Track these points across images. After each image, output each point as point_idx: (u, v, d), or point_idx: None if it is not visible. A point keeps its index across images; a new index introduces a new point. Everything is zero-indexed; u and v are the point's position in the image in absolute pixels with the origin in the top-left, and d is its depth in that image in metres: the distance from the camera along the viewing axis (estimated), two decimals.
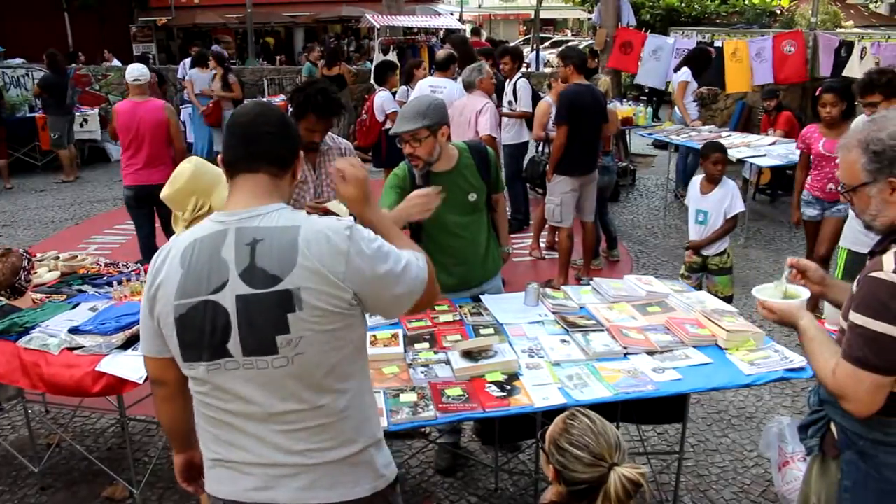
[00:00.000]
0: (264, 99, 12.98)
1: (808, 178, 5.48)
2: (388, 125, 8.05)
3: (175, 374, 1.91)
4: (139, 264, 4.30)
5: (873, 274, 1.94)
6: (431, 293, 1.91)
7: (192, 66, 10.83)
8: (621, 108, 9.43)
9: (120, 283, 3.84)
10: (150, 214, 6.04)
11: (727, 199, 4.97)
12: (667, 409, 3.59)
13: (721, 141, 8.07)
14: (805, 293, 2.37)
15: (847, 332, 1.99)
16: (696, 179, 5.16)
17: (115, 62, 15.02)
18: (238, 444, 1.83)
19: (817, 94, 5.05)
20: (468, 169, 3.56)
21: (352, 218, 1.88)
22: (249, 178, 1.83)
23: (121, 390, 3.11)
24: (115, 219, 8.84)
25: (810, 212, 5.55)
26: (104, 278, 4.04)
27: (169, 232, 5.87)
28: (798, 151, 5.75)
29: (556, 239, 6.82)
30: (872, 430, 2.07)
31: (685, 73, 8.79)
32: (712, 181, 5.01)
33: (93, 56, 16.88)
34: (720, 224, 4.99)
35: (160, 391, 2.01)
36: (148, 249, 6.12)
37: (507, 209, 3.93)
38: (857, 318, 1.94)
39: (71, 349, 3.17)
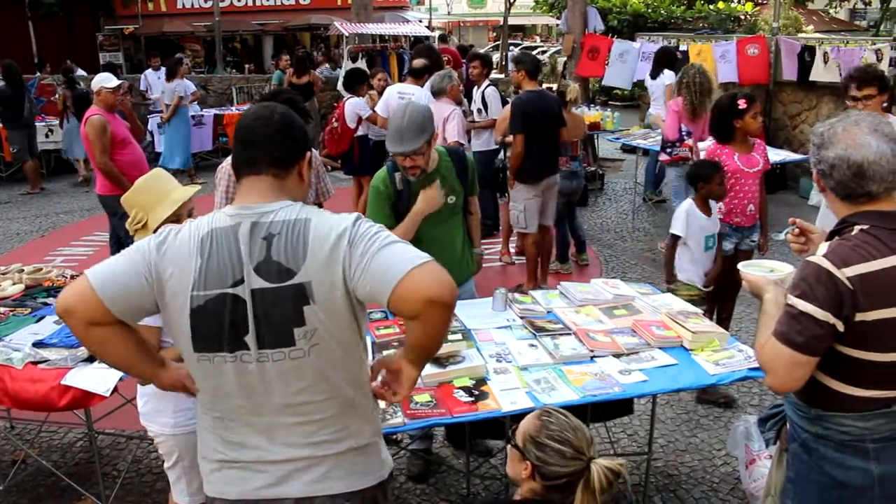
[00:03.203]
0: (233, 108, 12.92)
1: (720, 205, 4.68)
2: (360, 131, 8.02)
3: (110, 319, 1.77)
4: None
5: (808, 258, 2.04)
6: (434, 287, 1.69)
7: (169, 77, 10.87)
8: (589, 114, 9.52)
9: None
10: (109, 220, 6.05)
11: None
12: (618, 402, 3.66)
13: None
14: (785, 270, 2.41)
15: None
16: (690, 208, 4.51)
17: (80, 72, 14.81)
18: (249, 444, 1.86)
19: (742, 105, 4.55)
20: (448, 172, 3.62)
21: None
22: (254, 180, 1.86)
23: (88, 404, 3.07)
24: (81, 230, 8.73)
25: (727, 246, 4.73)
26: None
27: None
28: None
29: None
30: (813, 424, 2.14)
31: (670, 76, 8.79)
32: (711, 201, 4.60)
33: (58, 65, 16.64)
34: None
35: (101, 331, 1.80)
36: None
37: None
38: (789, 297, 2.03)
39: (35, 363, 3.13)
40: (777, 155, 7.93)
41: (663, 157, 7.13)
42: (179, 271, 1.77)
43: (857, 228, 2.02)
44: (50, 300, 3.86)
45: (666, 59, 9.07)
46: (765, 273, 2.40)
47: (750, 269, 2.45)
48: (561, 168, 6.31)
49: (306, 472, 1.87)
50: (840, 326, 1.96)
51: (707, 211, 4.53)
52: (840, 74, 8.96)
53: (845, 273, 1.94)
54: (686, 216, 4.50)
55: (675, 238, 4.52)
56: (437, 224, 3.60)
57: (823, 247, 2.03)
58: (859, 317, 1.95)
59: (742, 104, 4.60)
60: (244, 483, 1.88)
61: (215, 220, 1.82)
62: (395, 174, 3.56)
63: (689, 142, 6.83)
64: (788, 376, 2.03)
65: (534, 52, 12.60)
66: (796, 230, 2.44)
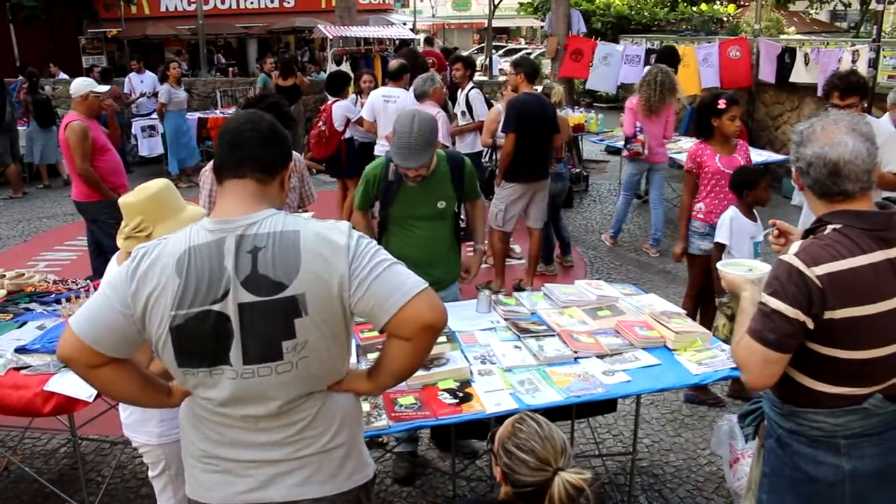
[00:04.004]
0: (217, 111, 12.88)
1: (702, 205, 4.80)
2: (347, 133, 8.01)
3: (104, 359, 1.82)
4: (89, 281, 4.24)
5: (781, 256, 2.07)
6: (431, 314, 1.76)
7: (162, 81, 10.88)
8: (573, 115, 9.57)
9: (69, 300, 3.78)
10: (88, 226, 5.95)
11: None
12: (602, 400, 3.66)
13: (671, 145, 8.35)
14: (763, 269, 2.43)
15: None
16: (735, 215, 4.36)
17: (62, 75, 14.73)
18: (229, 441, 1.87)
19: (722, 105, 4.61)
20: (443, 177, 3.66)
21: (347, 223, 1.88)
22: (237, 183, 1.85)
23: (72, 409, 3.05)
24: (65, 235, 8.67)
25: (706, 245, 4.70)
26: (52, 296, 3.97)
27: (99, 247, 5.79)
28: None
29: (510, 245, 6.90)
30: (787, 420, 2.18)
31: None
32: (755, 207, 4.51)
33: (41, 69, 16.54)
34: None
35: (102, 372, 1.85)
36: (93, 263, 6.01)
37: (462, 217, 4.05)
38: (762, 295, 2.06)
39: (18, 369, 3.11)
40: (759, 155, 8.00)
41: (624, 152, 7.48)
42: (157, 293, 1.75)
43: (829, 228, 2.05)
44: (32, 306, 3.84)
45: (667, 59, 9.22)
46: (743, 272, 2.43)
47: (728, 269, 2.48)
48: (549, 169, 6.34)
49: (289, 475, 1.87)
50: (810, 324, 1.99)
51: (753, 217, 4.42)
52: (822, 76, 9.05)
53: (815, 272, 1.97)
54: (731, 223, 4.35)
55: (721, 247, 4.39)
56: (423, 223, 3.67)
57: (796, 245, 2.06)
58: (828, 315, 1.98)
59: (721, 104, 4.66)
60: (226, 487, 1.88)
61: (193, 237, 1.79)
62: (391, 165, 3.63)
63: (641, 137, 7.14)
64: (762, 373, 2.06)
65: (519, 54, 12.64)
66: (776, 231, 2.47)
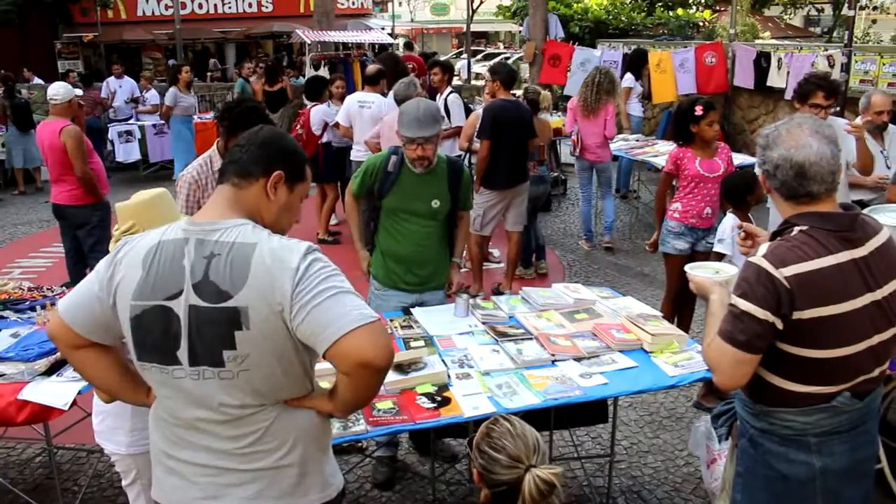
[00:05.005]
0: (196, 117, 12.78)
1: (678, 205, 4.87)
2: (325, 138, 8.00)
3: (84, 341, 1.91)
4: (64, 287, 4.20)
5: (749, 258, 2.11)
6: (370, 351, 1.69)
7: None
8: (551, 120, 9.62)
9: (44, 307, 3.75)
10: (68, 233, 5.89)
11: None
12: (594, 410, 3.78)
13: (648, 148, 8.43)
14: (730, 272, 2.48)
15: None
16: (734, 221, 4.19)
17: (36, 80, 14.59)
18: (185, 445, 1.88)
19: (699, 111, 4.67)
20: (441, 176, 3.73)
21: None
22: (219, 189, 1.91)
23: (47, 418, 3.02)
24: (41, 241, 8.57)
25: (681, 245, 4.84)
26: (27, 303, 3.93)
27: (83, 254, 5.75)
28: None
29: (488, 250, 6.92)
30: (759, 420, 2.21)
31: (628, 80, 9.19)
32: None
33: (15, 73, 16.36)
34: None
35: (82, 354, 1.94)
36: (71, 269, 5.95)
37: None
38: (731, 296, 2.10)
39: None
40: (735, 159, 8.09)
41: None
42: (125, 281, 1.80)
43: (796, 229, 2.09)
44: (6, 313, 3.79)
45: (634, 63, 9.43)
46: (710, 275, 2.46)
47: (696, 271, 2.51)
48: (529, 173, 6.36)
49: (240, 487, 1.84)
50: (779, 324, 2.02)
51: (750, 222, 4.22)
52: (793, 80, 9.18)
53: (783, 273, 2.00)
54: (733, 233, 4.19)
55: (720, 256, 4.28)
56: (415, 219, 3.72)
57: (763, 247, 2.10)
58: (796, 315, 2.01)
59: (699, 111, 4.71)
60: (182, 492, 1.90)
61: (167, 233, 1.83)
62: (392, 157, 3.71)
63: (574, 137, 7.48)
64: (733, 374, 2.09)
65: (497, 59, 12.71)
66: (742, 233, 2.51)
